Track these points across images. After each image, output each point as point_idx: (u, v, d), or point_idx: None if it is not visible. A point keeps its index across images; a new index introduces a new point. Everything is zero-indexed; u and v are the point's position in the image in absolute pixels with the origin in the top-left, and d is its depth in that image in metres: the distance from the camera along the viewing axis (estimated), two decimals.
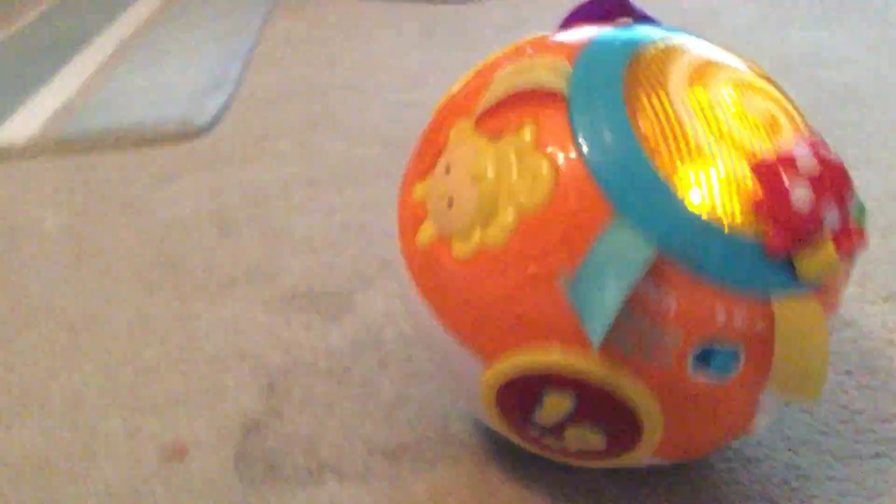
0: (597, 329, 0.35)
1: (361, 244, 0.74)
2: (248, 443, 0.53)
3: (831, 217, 0.37)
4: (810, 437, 0.50)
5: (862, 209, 0.41)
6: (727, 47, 0.44)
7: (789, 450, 0.49)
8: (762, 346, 0.37)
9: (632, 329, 0.37)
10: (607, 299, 0.35)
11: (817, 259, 0.37)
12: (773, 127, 0.39)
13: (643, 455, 0.41)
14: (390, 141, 0.95)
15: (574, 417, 0.40)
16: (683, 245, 0.36)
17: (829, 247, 0.37)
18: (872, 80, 0.98)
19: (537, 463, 0.49)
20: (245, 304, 0.67)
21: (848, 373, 0.55)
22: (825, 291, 0.39)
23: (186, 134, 1.03)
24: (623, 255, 0.36)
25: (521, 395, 0.40)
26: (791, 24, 1.21)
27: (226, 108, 1.11)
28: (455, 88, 0.46)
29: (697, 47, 0.42)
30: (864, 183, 0.76)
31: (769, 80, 0.43)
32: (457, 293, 0.41)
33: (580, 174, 0.37)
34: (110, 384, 0.60)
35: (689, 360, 0.37)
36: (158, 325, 0.66)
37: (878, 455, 0.48)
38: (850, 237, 0.37)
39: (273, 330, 0.64)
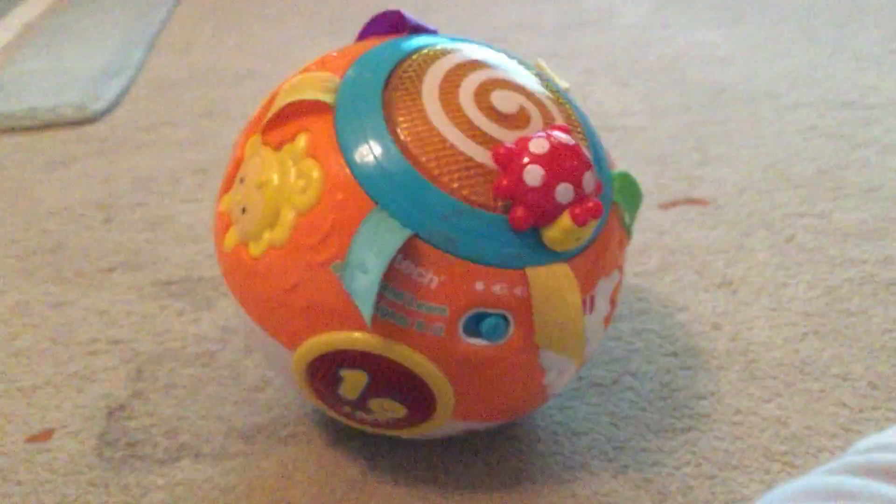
0: (365, 306, 0.40)
1: None
2: (112, 425, 0.56)
3: (565, 191, 0.42)
4: (632, 412, 0.55)
5: (628, 188, 0.49)
6: (501, 49, 0.50)
7: (612, 424, 0.54)
8: (527, 311, 0.43)
9: (400, 305, 0.42)
10: (368, 278, 0.40)
11: (556, 228, 0.42)
12: (522, 119, 0.45)
13: (446, 419, 0.45)
14: None
15: (372, 390, 0.44)
16: (439, 228, 0.41)
17: (565, 217, 0.42)
18: (746, 81, 1.04)
19: (385, 441, 0.53)
20: (122, 291, 0.69)
21: (674, 354, 0.60)
22: (584, 257, 0.45)
23: (82, 119, 1.04)
24: (379, 238, 0.41)
25: (324, 375, 0.45)
26: (682, 26, 1.26)
27: (124, 93, 1.12)
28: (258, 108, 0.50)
29: (458, 52, 0.47)
30: (720, 177, 0.82)
31: (541, 76, 0.49)
32: (255, 289, 0.45)
33: (344, 174, 0.42)
34: None
35: (460, 327, 0.42)
36: (34, 312, 0.67)
37: (689, 429, 0.53)
38: (584, 208, 0.42)
39: (147, 316, 0.66)
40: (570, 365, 0.47)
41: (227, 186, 0.49)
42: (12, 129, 1.03)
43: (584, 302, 0.45)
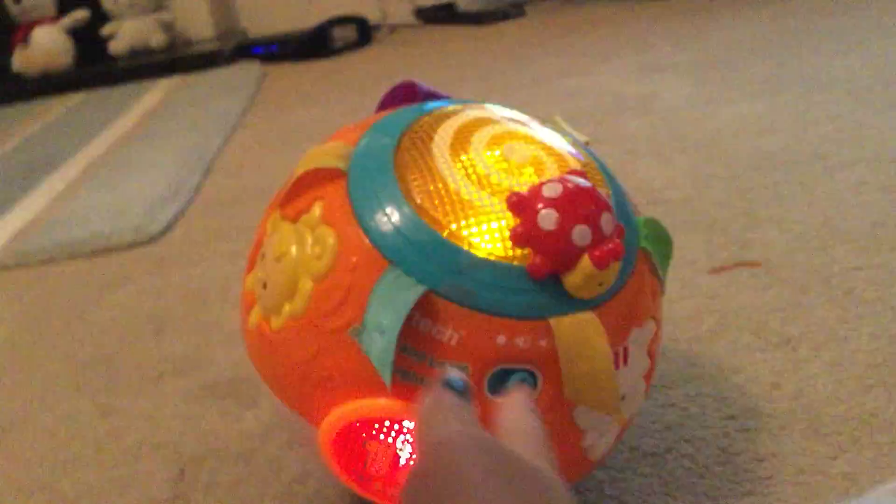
0: (383, 368, 0.38)
1: None
2: None
3: (582, 233, 0.40)
4: (688, 480, 0.51)
5: (656, 234, 0.47)
6: (513, 108, 0.50)
7: (667, 494, 0.51)
8: (554, 364, 0.41)
9: (421, 365, 0.40)
10: (385, 339, 0.38)
11: (577, 273, 0.40)
12: (536, 168, 0.43)
13: None
14: None
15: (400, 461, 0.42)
16: (455, 282, 0.40)
17: (585, 260, 0.40)
18: (792, 146, 1.02)
19: None
20: (169, 396, 0.69)
21: (731, 417, 0.56)
22: (613, 305, 0.42)
23: (139, 241, 1.07)
24: (394, 297, 0.39)
25: (351, 450, 0.43)
26: (723, 102, 1.26)
27: (180, 215, 1.16)
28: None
29: (468, 111, 0.47)
30: (771, 239, 0.79)
31: (557, 129, 0.49)
32: (277, 363, 0.44)
33: (357, 237, 0.41)
34: (28, 481, 0.61)
35: (485, 386, 0.40)
36: (82, 421, 0.68)
37: (750, 493, 0.49)
38: (604, 249, 0.40)
39: (191, 418, 0.66)
40: (611, 425, 0.44)
41: (251, 266, 0.49)
42: (74, 255, 1.06)
43: (616, 354, 0.43)
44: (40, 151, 1.66)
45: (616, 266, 0.42)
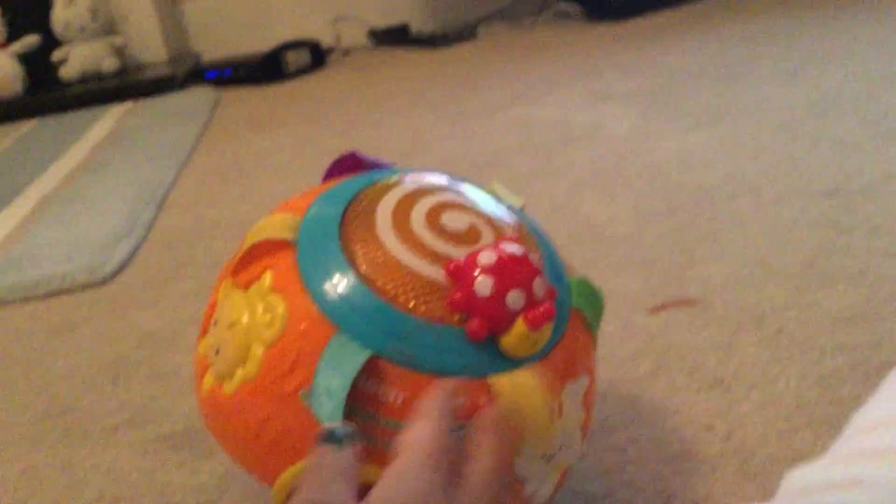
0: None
1: None
2: None
3: (516, 297, 0.44)
4: None
5: (587, 293, 0.51)
6: (455, 176, 0.53)
7: None
8: None
9: (369, 425, 0.43)
10: (333, 402, 0.42)
11: (512, 335, 0.44)
12: (472, 236, 0.47)
13: None
14: None
15: None
16: (399, 346, 0.43)
17: (519, 323, 0.44)
18: (728, 180, 1.06)
19: None
20: (126, 449, 0.71)
21: (668, 460, 0.59)
22: (547, 362, 0.46)
23: (93, 283, 1.08)
24: (341, 361, 0.42)
25: None
26: (665, 133, 1.30)
27: (134, 253, 1.16)
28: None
29: (409, 182, 0.50)
30: (707, 276, 0.83)
31: (494, 196, 0.53)
32: (231, 426, 0.47)
33: (306, 304, 0.44)
34: None
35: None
36: (41, 476, 0.69)
37: None
38: (536, 312, 0.44)
39: (148, 472, 0.67)
40: (550, 474, 0.47)
41: (204, 331, 0.51)
42: (27, 299, 1.07)
43: (551, 408, 0.46)
44: None
45: (549, 326, 0.45)
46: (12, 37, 2.45)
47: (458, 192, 0.51)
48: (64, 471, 0.69)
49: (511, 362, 0.45)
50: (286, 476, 0.45)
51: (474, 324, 0.44)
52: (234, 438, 0.47)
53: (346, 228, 0.47)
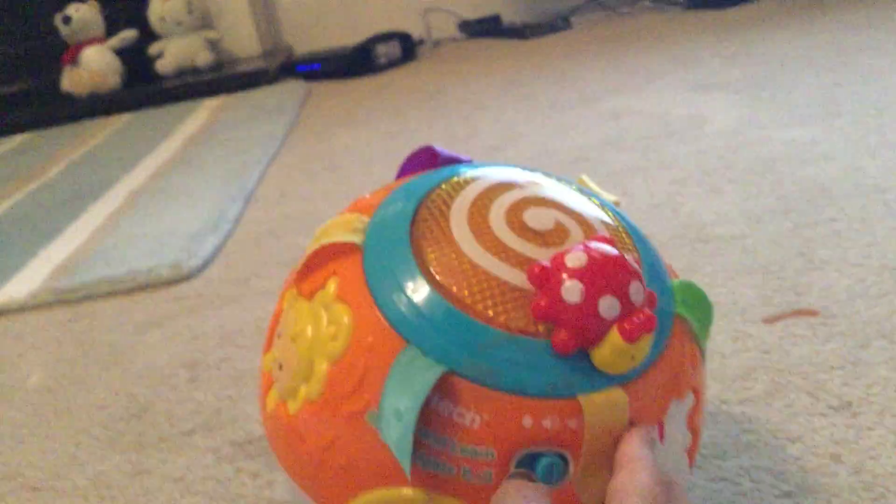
0: (402, 456, 0.36)
1: None
2: None
3: (609, 305, 0.37)
4: None
5: (693, 298, 0.44)
6: (537, 170, 0.47)
7: None
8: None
9: (442, 451, 0.37)
10: (402, 424, 0.36)
11: (606, 347, 0.38)
12: (559, 235, 0.41)
13: None
14: None
15: None
16: (476, 361, 0.37)
17: (614, 333, 0.37)
18: (849, 177, 0.97)
19: None
20: (199, 455, 0.68)
21: (787, 494, 0.52)
22: (647, 379, 0.40)
23: (178, 278, 1.06)
24: (411, 379, 0.37)
25: None
26: (776, 126, 1.21)
27: (219, 249, 1.15)
28: None
29: (487, 177, 0.45)
30: (829, 283, 0.75)
31: (583, 191, 0.46)
32: (295, 449, 0.42)
33: (373, 315, 0.39)
34: None
35: (511, 472, 0.38)
36: (113, 483, 0.66)
37: None
38: (634, 322, 0.37)
39: (221, 480, 0.64)
40: None
41: (269, 345, 0.47)
42: (113, 293, 1.06)
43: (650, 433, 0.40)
44: (85, 178, 1.67)
45: (648, 338, 0.39)
46: (110, 32, 2.49)
47: (543, 188, 0.45)
48: (135, 477, 0.66)
49: (605, 379, 0.39)
50: None
51: (562, 335, 0.38)
52: (298, 462, 0.43)
53: (418, 229, 0.42)
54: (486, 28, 2.51)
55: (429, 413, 0.37)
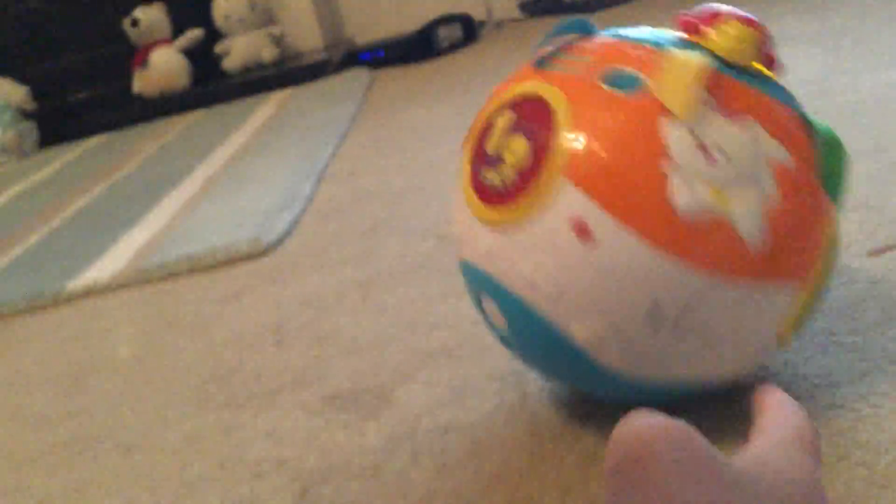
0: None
1: (407, 340, 0.74)
2: None
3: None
4: (867, 492, 0.45)
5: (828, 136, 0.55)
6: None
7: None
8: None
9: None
10: None
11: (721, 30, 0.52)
12: None
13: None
14: (445, 234, 0.95)
15: (512, 128, 0.51)
16: None
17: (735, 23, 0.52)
18: None
19: None
20: (289, 410, 0.67)
21: None
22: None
23: (256, 253, 1.06)
24: None
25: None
26: (864, 70, 1.15)
27: (294, 224, 1.15)
28: None
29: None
30: None
31: None
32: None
33: None
34: (153, 503, 0.60)
35: (599, 76, 0.50)
36: (205, 440, 0.66)
37: None
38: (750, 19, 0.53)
39: (312, 433, 0.63)
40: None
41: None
42: (193, 270, 1.07)
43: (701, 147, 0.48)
44: (159, 170, 1.69)
45: (753, 33, 0.53)
46: (177, 32, 2.53)
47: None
48: (227, 434, 0.66)
49: (698, 49, 0.51)
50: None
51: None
52: None
53: None
54: (546, 7, 2.47)
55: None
